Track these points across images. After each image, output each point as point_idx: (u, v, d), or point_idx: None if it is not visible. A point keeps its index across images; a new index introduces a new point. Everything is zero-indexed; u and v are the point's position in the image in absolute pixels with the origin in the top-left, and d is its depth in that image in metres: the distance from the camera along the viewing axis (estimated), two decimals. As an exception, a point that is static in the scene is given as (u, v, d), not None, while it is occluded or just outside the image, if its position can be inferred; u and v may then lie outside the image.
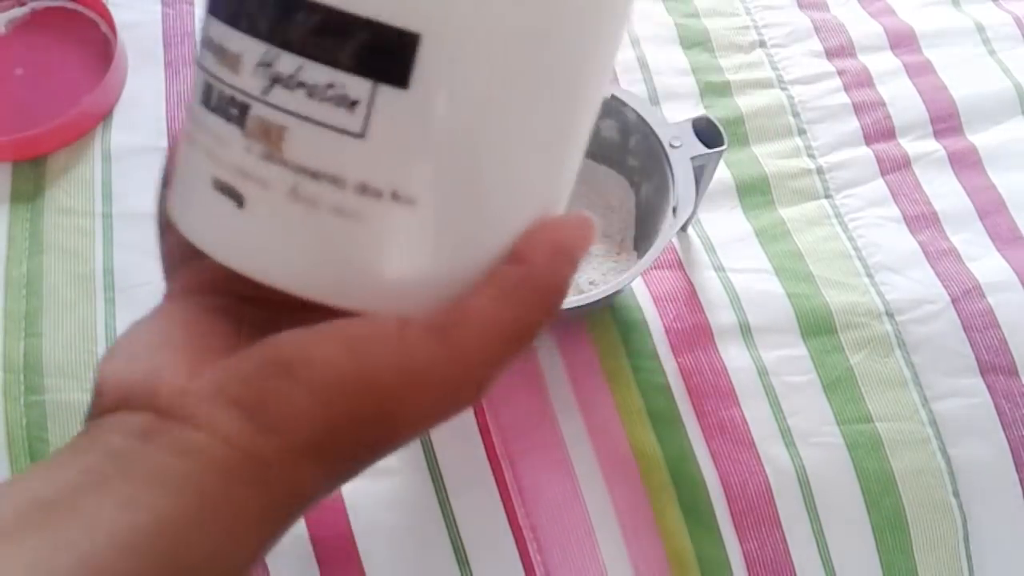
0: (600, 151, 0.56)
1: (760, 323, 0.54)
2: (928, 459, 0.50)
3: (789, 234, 0.58)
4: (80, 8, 0.65)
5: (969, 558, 0.50)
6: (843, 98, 0.65)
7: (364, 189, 0.22)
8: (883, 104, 0.64)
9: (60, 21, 0.65)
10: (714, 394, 0.52)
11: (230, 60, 0.22)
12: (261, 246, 0.23)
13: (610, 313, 0.54)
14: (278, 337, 0.22)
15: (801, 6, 0.70)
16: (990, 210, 0.59)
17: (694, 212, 0.55)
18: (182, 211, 0.25)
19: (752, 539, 0.48)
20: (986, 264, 0.57)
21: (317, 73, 0.21)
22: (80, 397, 0.49)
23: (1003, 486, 0.50)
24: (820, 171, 0.61)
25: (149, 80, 0.63)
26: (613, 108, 0.54)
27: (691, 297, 0.55)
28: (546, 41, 0.22)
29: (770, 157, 0.62)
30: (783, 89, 0.65)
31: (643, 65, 0.66)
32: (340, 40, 0.21)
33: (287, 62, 0.21)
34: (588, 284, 0.52)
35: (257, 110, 0.22)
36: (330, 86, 0.21)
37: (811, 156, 0.62)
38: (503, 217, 0.24)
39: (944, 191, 0.60)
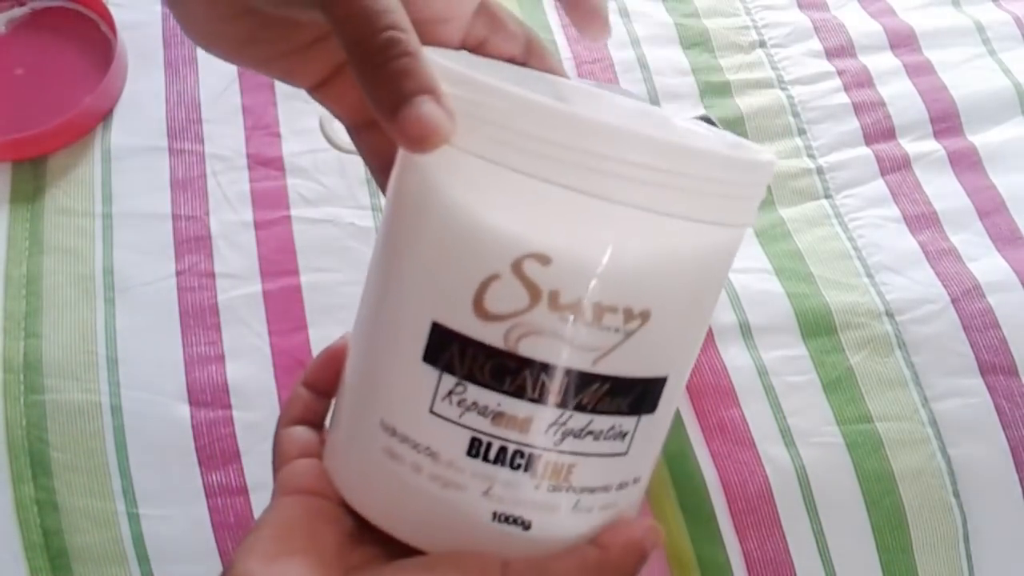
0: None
1: (760, 323, 0.54)
2: (928, 459, 0.50)
3: (789, 234, 0.58)
4: (80, 8, 0.65)
5: (969, 558, 0.49)
6: (843, 98, 0.65)
7: (622, 486, 0.28)
8: (883, 104, 0.64)
9: (60, 21, 0.65)
10: (714, 394, 0.52)
11: (517, 423, 0.25)
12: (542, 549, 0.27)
13: (610, 313, 0.54)
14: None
15: (801, 6, 0.70)
16: (990, 210, 0.59)
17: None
18: (364, 495, 0.29)
19: (752, 539, 0.48)
20: (986, 264, 0.57)
21: (603, 422, 0.26)
22: (80, 397, 0.49)
23: (1003, 486, 0.50)
24: (820, 171, 0.61)
25: (149, 80, 0.62)
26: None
27: (691, 297, 0.55)
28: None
29: (770, 157, 0.62)
30: (783, 89, 0.65)
31: (643, 65, 0.66)
32: (623, 397, 0.26)
33: (578, 420, 0.25)
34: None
35: (548, 457, 0.26)
36: (611, 428, 0.26)
37: (811, 156, 0.62)
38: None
39: (944, 191, 0.60)
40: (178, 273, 0.54)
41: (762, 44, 0.68)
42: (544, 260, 0.23)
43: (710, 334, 0.54)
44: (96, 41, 0.64)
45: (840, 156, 0.62)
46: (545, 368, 0.24)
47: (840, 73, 0.66)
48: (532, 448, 0.25)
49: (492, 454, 0.25)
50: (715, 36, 0.68)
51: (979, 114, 0.64)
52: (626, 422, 0.26)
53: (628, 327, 0.24)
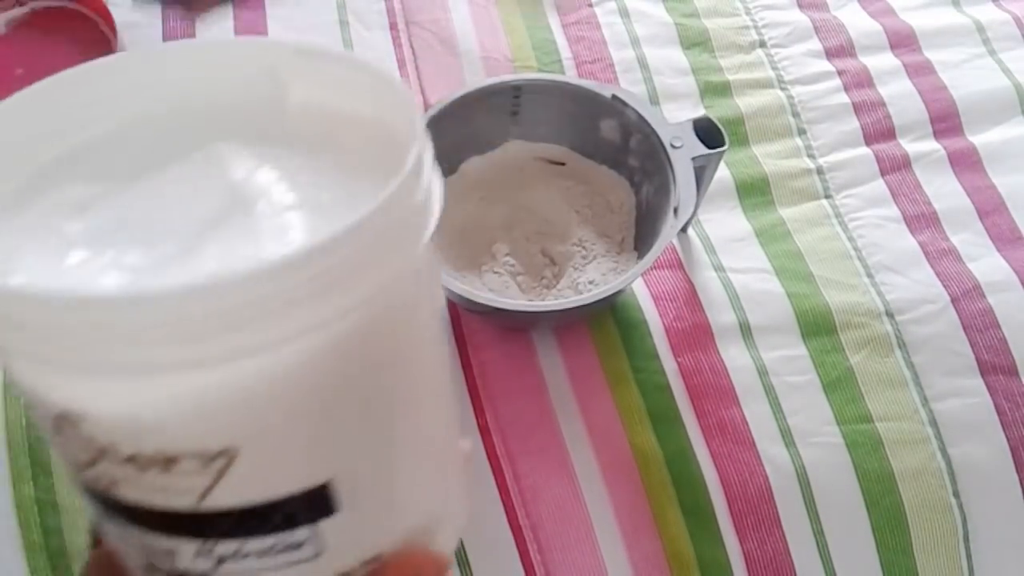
0: (600, 151, 0.56)
1: (760, 323, 0.54)
2: (928, 459, 0.50)
3: (789, 234, 0.58)
4: (80, 8, 0.65)
5: (969, 558, 0.49)
6: (843, 98, 0.65)
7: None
8: (883, 104, 0.64)
9: (60, 21, 0.65)
10: (714, 394, 0.52)
11: (162, 553, 0.23)
12: None
13: (610, 313, 0.54)
14: None
15: (801, 6, 0.70)
16: (990, 210, 0.59)
17: (695, 212, 0.55)
18: None
19: (752, 539, 0.48)
20: (986, 264, 0.57)
21: (257, 543, 0.23)
22: (80, 397, 0.49)
23: (1003, 486, 0.50)
24: (820, 171, 0.61)
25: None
26: (614, 108, 0.54)
27: (691, 297, 0.55)
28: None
29: (770, 157, 0.62)
30: (783, 89, 0.65)
31: (643, 65, 0.66)
32: (266, 518, 0.23)
33: (225, 546, 0.23)
34: (588, 284, 0.52)
35: None
36: (273, 545, 0.23)
37: (811, 156, 0.62)
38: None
39: (944, 191, 0.60)
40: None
41: (762, 44, 0.68)
42: (79, 418, 0.21)
43: (710, 334, 0.54)
44: (96, 41, 0.63)
45: (840, 156, 0.62)
46: (150, 510, 0.22)
47: (840, 73, 0.66)
48: (195, 572, 0.24)
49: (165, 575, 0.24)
50: (715, 36, 0.68)
51: (979, 114, 0.64)
52: (294, 534, 0.23)
53: (213, 467, 0.22)
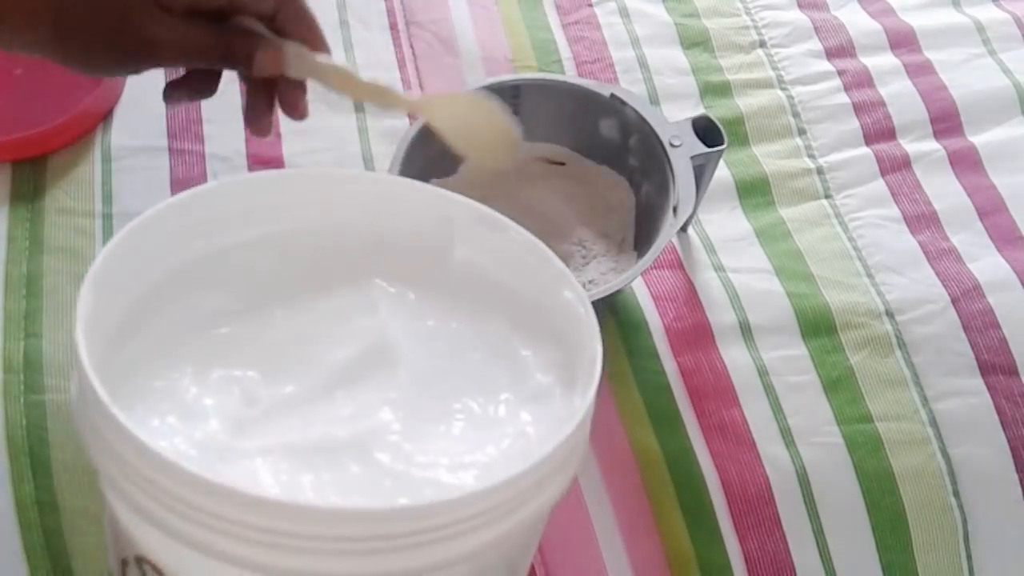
0: (600, 151, 0.56)
1: (760, 323, 0.54)
2: (928, 459, 0.50)
3: (789, 234, 0.58)
4: (80, 8, 0.65)
5: (969, 558, 0.49)
6: (843, 98, 0.65)
7: None
8: (883, 104, 0.64)
9: (60, 21, 0.64)
10: (714, 394, 0.52)
11: None
12: None
13: (610, 313, 0.54)
14: None
15: (801, 6, 0.70)
16: (990, 210, 0.59)
17: (694, 212, 0.55)
18: None
19: (752, 539, 0.48)
20: (986, 264, 0.56)
21: None
22: (80, 397, 0.49)
23: (1003, 486, 0.50)
24: (820, 171, 0.61)
25: (149, 80, 0.62)
26: (613, 108, 0.54)
27: (691, 297, 0.55)
28: None
29: (770, 157, 0.62)
30: (783, 89, 0.65)
31: (643, 65, 0.66)
32: None
33: None
34: (588, 284, 0.52)
35: None
36: None
37: (811, 156, 0.62)
38: None
39: (944, 191, 0.60)
40: (178, 273, 0.54)
41: (762, 44, 0.68)
42: (157, 571, 0.22)
43: (710, 334, 0.54)
44: (96, 41, 0.63)
45: (840, 156, 0.62)
46: None
47: (840, 73, 0.66)
48: None
49: None
50: (715, 36, 0.68)
51: (979, 114, 0.64)
52: None
53: None
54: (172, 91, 0.45)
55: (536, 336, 0.25)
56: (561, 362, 0.25)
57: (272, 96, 0.45)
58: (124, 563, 0.23)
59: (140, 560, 0.22)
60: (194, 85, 0.46)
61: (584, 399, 0.22)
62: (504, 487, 0.21)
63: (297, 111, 0.45)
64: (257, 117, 0.45)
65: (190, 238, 0.26)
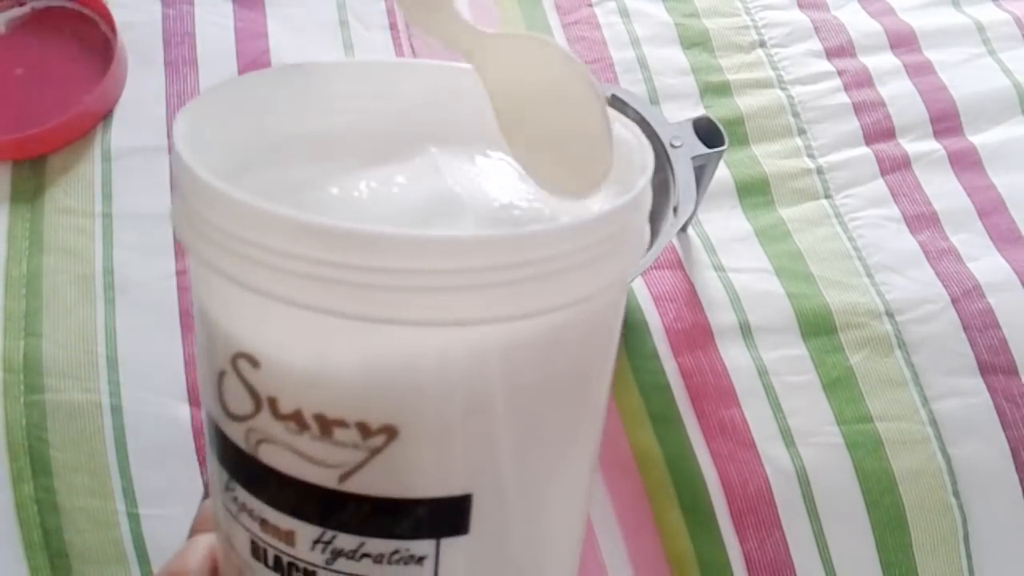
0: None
1: (760, 323, 0.54)
2: (928, 459, 0.50)
3: (789, 234, 0.58)
4: (80, 8, 0.65)
5: (969, 558, 0.49)
6: (843, 98, 0.65)
7: None
8: (883, 104, 0.64)
9: (60, 21, 0.65)
10: (714, 394, 0.52)
11: (282, 535, 0.22)
12: None
13: (610, 313, 0.54)
14: None
15: (801, 6, 0.70)
16: (990, 210, 0.59)
17: (694, 212, 0.55)
18: None
19: (752, 539, 0.48)
20: (986, 264, 0.57)
21: (380, 545, 0.22)
22: (80, 397, 0.49)
23: (1003, 486, 0.50)
24: (820, 171, 0.61)
25: (149, 80, 0.62)
26: (613, 108, 0.53)
27: (691, 297, 0.55)
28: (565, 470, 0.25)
29: (770, 157, 0.62)
30: (783, 89, 0.65)
31: (643, 65, 0.66)
32: (398, 518, 0.22)
33: (346, 540, 0.22)
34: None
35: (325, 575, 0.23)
36: (395, 552, 0.22)
37: (811, 156, 0.62)
38: None
39: (944, 191, 0.60)
40: (178, 273, 0.54)
41: (762, 44, 0.68)
42: (254, 362, 0.21)
43: (710, 334, 0.54)
44: (96, 41, 0.64)
45: (840, 156, 0.62)
46: (288, 480, 0.22)
47: (840, 73, 0.66)
48: (304, 563, 0.23)
49: (270, 561, 0.23)
50: (715, 36, 0.68)
51: (979, 114, 0.64)
52: (417, 546, 0.22)
53: (370, 443, 0.21)
54: None
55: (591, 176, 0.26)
56: (616, 191, 0.25)
57: None
58: (221, 375, 0.22)
59: (236, 358, 0.21)
60: None
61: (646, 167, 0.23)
62: (625, 206, 0.21)
63: None
64: None
65: (272, 115, 0.26)
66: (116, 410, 0.49)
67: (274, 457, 0.22)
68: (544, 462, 0.24)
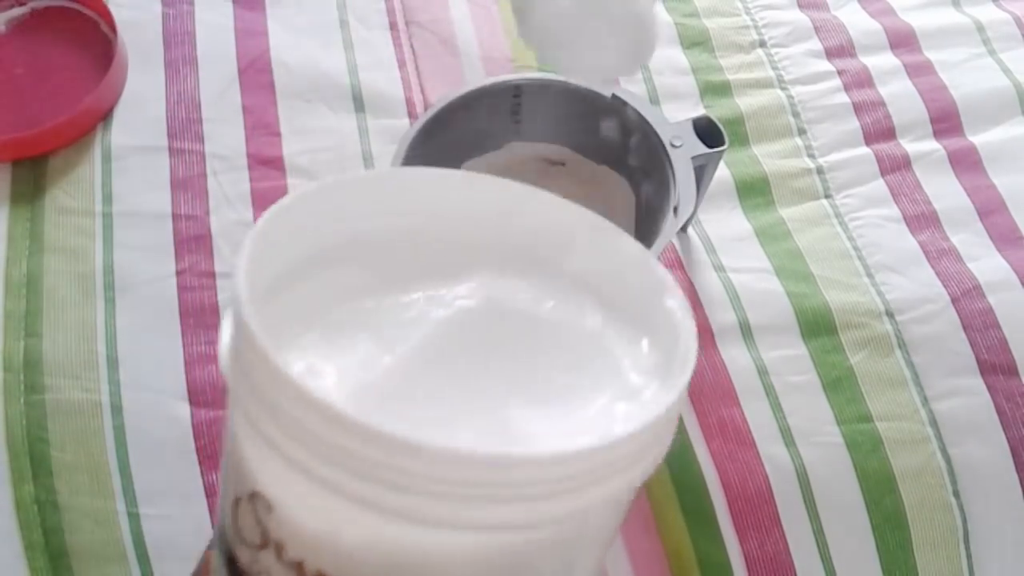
0: (600, 151, 0.56)
1: (760, 323, 0.54)
2: (928, 459, 0.50)
3: (789, 234, 0.58)
4: (80, 8, 0.65)
5: (969, 558, 0.49)
6: (843, 98, 0.65)
7: None
8: (883, 104, 0.64)
9: (60, 21, 0.65)
10: (714, 394, 0.52)
11: None
12: None
13: (610, 313, 0.54)
14: None
15: (801, 6, 0.70)
16: (990, 210, 0.59)
17: (694, 212, 0.55)
18: None
19: (752, 539, 0.48)
20: (986, 264, 0.57)
21: None
22: (80, 396, 0.49)
23: (1003, 486, 0.50)
24: (820, 171, 0.61)
25: (149, 80, 0.63)
26: (613, 108, 0.54)
27: (691, 297, 0.55)
28: None
29: (770, 157, 0.62)
30: (783, 89, 0.65)
31: (643, 65, 0.66)
32: None
33: None
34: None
35: None
36: None
37: (811, 156, 0.62)
38: None
39: (944, 191, 0.60)
40: (178, 273, 0.54)
41: (762, 44, 0.68)
42: (269, 507, 0.23)
43: (710, 334, 0.54)
44: (96, 41, 0.64)
45: (840, 156, 0.62)
46: None
47: (840, 73, 0.66)
48: None
49: None
50: (715, 36, 0.68)
51: (979, 114, 0.64)
52: None
53: None
54: None
55: (635, 340, 0.26)
56: (656, 365, 0.26)
57: None
58: (237, 502, 0.23)
59: (254, 496, 0.23)
60: None
61: (677, 386, 0.23)
62: (627, 440, 0.22)
63: None
64: None
65: (330, 222, 0.27)
66: (116, 410, 0.49)
67: None
68: None
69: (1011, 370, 0.53)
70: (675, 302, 0.26)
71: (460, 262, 0.28)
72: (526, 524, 0.22)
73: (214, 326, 0.52)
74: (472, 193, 0.29)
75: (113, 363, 0.51)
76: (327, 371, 0.24)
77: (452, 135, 0.53)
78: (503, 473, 0.21)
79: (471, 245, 0.28)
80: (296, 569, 0.22)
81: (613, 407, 0.25)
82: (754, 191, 0.60)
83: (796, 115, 0.64)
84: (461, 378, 0.25)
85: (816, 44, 0.68)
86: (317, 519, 0.22)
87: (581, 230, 0.30)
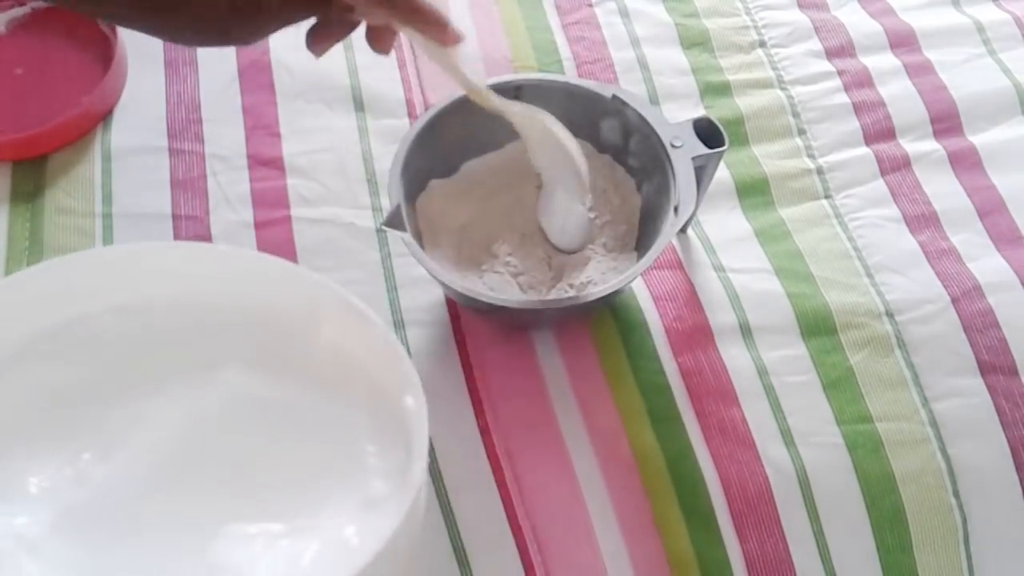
0: (601, 151, 0.56)
1: (760, 323, 0.54)
2: (928, 459, 0.50)
3: (789, 234, 0.58)
4: (80, 8, 0.65)
5: (969, 558, 0.50)
6: (843, 98, 0.65)
7: None
8: (883, 104, 0.64)
9: (60, 21, 0.65)
10: (714, 394, 0.52)
11: None
12: None
13: (610, 313, 0.54)
14: None
15: (801, 6, 0.70)
16: (990, 210, 0.59)
17: (695, 212, 0.55)
18: None
19: (752, 539, 0.48)
20: (986, 264, 0.57)
21: None
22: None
23: (1003, 486, 0.50)
24: (820, 171, 0.61)
25: (149, 80, 0.63)
26: (614, 108, 0.54)
27: (691, 297, 0.55)
28: None
29: (770, 157, 0.62)
30: (783, 89, 0.65)
31: (643, 65, 0.66)
32: None
33: None
34: (587, 284, 0.52)
35: None
36: None
37: (811, 156, 0.62)
38: None
39: (944, 191, 0.60)
40: (178, 273, 0.54)
41: (762, 44, 0.68)
42: None
43: (710, 334, 0.54)
44: (96, 41, 0.64)
45: (840, 156, 0.62)
46: None
47: (840, 73, 0.66)
48: None
49: None
50: (715, 36, 0.68)
51: (979, 114, 0.64)
52: None
53: None
54: (315, 40, 0.44)
55: (385, 433, 0.25)
56: (401, 466, 0.24)
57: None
58: None
59: None
60: (335, 32, 0.45)
61: (394, 519, 0.22)
62: None
63: (385, 50, 0.45)
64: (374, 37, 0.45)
65: (40, 309, 0.25)
66: (116, 410, 0.49)
67: None
68: None
69: (1011, 370, 0.53)
70: (413, 401, 0.25)
71: (199, 353, 0.25)
72: None
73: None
74: (216, 267, 0.27)
75: (113, 363, 0.51)
76: (33, 483, 0.22)
77: (452, 135, 0.53)
78: None
79: (214, 328, 0.26)
80: None
81: (344, 527, 0.24)
82: (754, 191, 0.60)
83: (796, 115, 0.64)
84: (181, 499, 0.23)
85: (816, 44, 0.68)
86: None
87: (332, 306, 0.27)
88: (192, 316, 0.26)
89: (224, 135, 0.60)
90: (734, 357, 0.53)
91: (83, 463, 0.22)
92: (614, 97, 0.53)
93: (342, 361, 0.26)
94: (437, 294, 0.55)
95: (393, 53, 0.66)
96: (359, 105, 0.62)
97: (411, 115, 0.62)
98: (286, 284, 0.27)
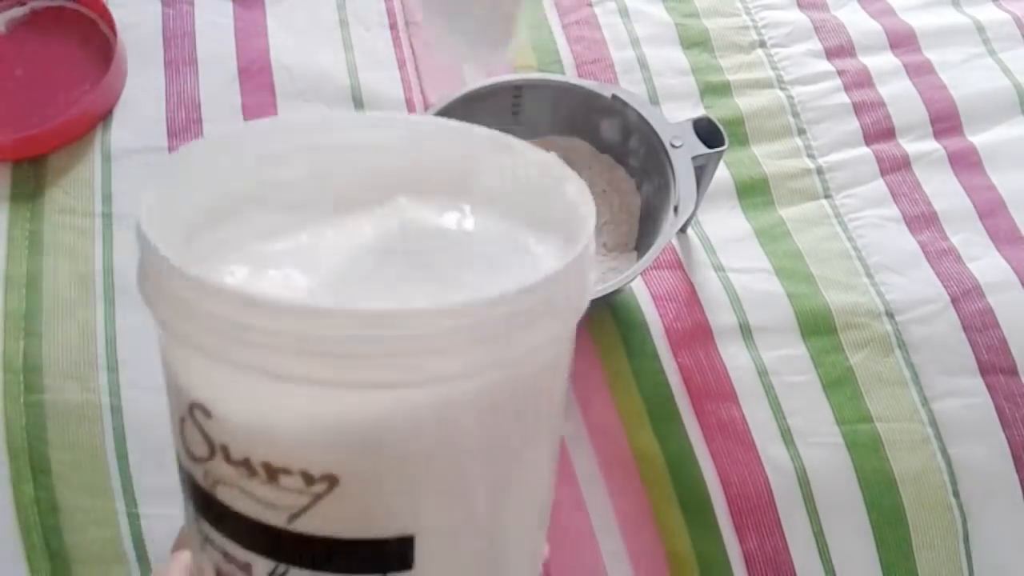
0: (601, 151, 0.56)
1: (760, 323, 0.54)
2: (928, 459, 0.50)
3: (789, 234, 0.58)
4: (80, 8, 0.65)
5: (969, 558, 0.49)
6: (843, 98, 0.65)
7: None
8: (883, 104, 0.64)
9: (60, 21, 0.65)
10: (714, 394, 0.52)
11: (241, 566, 0.24)
12: None
13: (610, 313, 0.54)
14: None
15: (801, 6, 0.70)
16: (990, 210, 0.59)
17: (694, 212, 0.55)
18: None
19: (752, 539, 0.48)
20: (986, 264, 0.57)
21: None
22: (80, 397, 0.49)
23: (1003, 486, 0.50)
24: (820, 171, 0.61)
25: (149, 80, 0.63)
26: (614, 108, 0.54)
27: (691, 297, 0.55)
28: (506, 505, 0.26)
29: (770, 157, 0.62)
30: (783, 89, 0.65)
31: (643, 65, 0.66)
32: (346, 556, 0.24)
33: (299, 574, 0.24)
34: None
35: None
36: None
37: (811, 156, 0.62)
38: None
39: (944, 191, 0.60)
40: (178, 273, 0.54)
41: (762, 44, 0.68)
42: (207, 413, 0.23)
43: (710, 334, 0.54)
44: (96, 41, 0.64)
45: (840, 156, 0.62)
46: (243, 518, 0.24)
47: (840, 73, 0.66)
48: None
49: None
50: (715, 36, 0.68)
51: (979, 114, 0.64)
52: None
53: (313, 489, 0.23)
54: None
55: (544, 229, 0.27)
56: (562, 244, 0.26)
57: None
58: (182, 422, 0.24)
59: (192, 408, 0.24)
60: None
61: (575, 247, 0.23)
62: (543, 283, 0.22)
63: None
64: None
65: (233, 170, 0.27)
66: (116, 410, 0.49)
67: (229, 496, 0.24)
68: (486, 506, 0.25)
69: (1011, 370, 0.53)
70: (573, 187, 0.27)
71: (370, 195, 0.28)
72: (453, 375, 0.22)
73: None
74: (376, 130, 0.29)
75: (113, 363, 0.51)
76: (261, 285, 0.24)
77: (452, 135, 0.54)
78: (435, 322, 0.21)
79: (379, 178, 0.29)
80: (245, 466, 0.23)
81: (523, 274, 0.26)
82: (754, 191, 0.60)
83: (796, 115, 0.64)
84: (389, 286, 0.25)
85: (816, 44, 0.68)
86: (249, 409, 0.23)
87: (485, 151, 0.30)
88: (366, 170, 0.29)
89: (224, 135, 0.60)
90: (734, 357, 0.53)
91: (295, 276, 0.25)
92: (614, 97, 0.53)
93: (499, 191, 0.29)
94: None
95: (393, 53, 0.66)
96: (359, 105, 0.62)
97: (411, 115, 0.62)
98: (444, 138, 0.30)
